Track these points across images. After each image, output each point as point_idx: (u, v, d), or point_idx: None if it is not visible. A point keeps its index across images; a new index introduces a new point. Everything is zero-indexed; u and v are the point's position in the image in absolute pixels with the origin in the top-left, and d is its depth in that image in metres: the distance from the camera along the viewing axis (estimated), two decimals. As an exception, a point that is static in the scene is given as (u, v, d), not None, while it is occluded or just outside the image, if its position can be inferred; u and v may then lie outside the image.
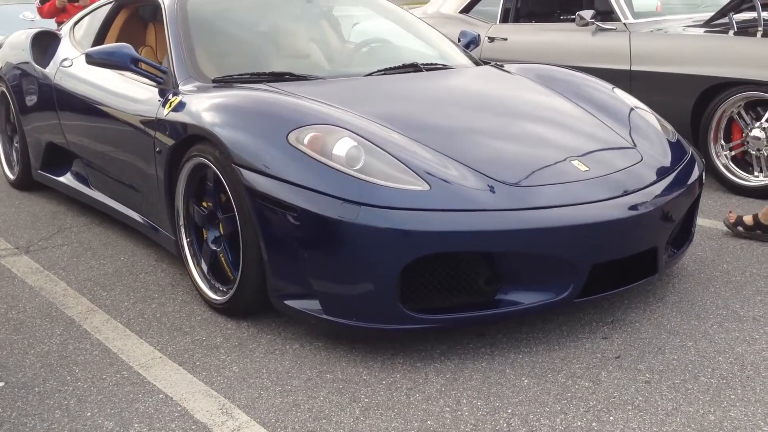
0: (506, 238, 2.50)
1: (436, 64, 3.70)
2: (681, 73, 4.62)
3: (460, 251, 2.49)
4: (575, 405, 2.33)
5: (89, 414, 2.33)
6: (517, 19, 5.88)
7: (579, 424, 2.23)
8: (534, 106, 3.29)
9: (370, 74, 3.46)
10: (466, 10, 6.12)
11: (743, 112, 4.46)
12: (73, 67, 4.11)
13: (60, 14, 6.73)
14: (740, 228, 3.73)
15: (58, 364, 2.65)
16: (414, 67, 3.57)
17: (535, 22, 5.79)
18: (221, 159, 2.78)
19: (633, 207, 2.70)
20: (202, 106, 2.97)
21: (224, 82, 3.24)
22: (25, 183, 4.80)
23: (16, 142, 4.83)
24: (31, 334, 2.88)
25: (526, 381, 2.48)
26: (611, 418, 2.26)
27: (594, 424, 2.23)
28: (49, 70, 4.30)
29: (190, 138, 2.97)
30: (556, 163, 2.81)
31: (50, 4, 6.90)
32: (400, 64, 3.56)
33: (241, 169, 2.68)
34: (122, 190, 3.73)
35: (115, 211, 3.83)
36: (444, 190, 2.54)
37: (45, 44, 4.53)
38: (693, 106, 4.58)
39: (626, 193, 2.73)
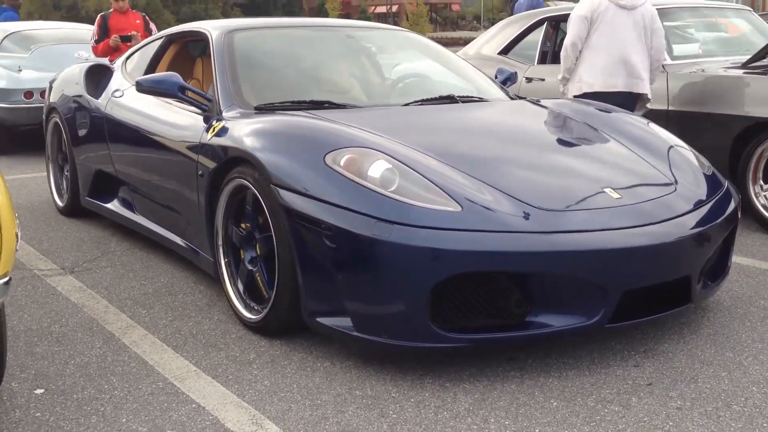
0: (536, 260, 2.53)
1: (472, 97, 3.78)
2: (719, 113, 4.63)
3: (490, 271, 2.52)
4: (604, 428, 2.32)
5: (124, 420, 2.40)
6: (554, 61, 5.94)
7: (607, 445, 2.22)
8: (568, 139, 3.34)
9: (407, 104, 3.55)
10: (504, 51, 6.23)
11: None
12: (124, 97, 4.29)
13: (113, 53, 7.01)
14: None
15: (97, 374, 2.73)
16: (450, 99, 3.65)
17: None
18: (260, 180, 2.87)
19: (664, 234, 2.72)
20: (244, 131, 3.08)
21: (266, 109, 3.36)
22: (73, 210, 4.96)
23: (67, 171, 5.01)
24: (72, 346, 2.97)
25: (555, 403, 2.47)
26: (640, 440, 2.24)
27: (622, 445, 2.22)
28: (101, 101, 4.48)
29: (231, 160, 3.08)
30: (588, 191, 2.85)
31: (104, 43, 7.20)
32: (437, 96, 3.65)
33: (279, 189, 2.77)
34: (166, 214, 3.85)
35: (158, 236, 3.94)
36: (476, 212, 2.59)
37: (98, 77, 4.73)
38: (731, 146, 4.58)
39: (658, 221, 2.75)
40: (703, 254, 2.88)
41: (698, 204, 2.95)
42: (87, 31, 8.88)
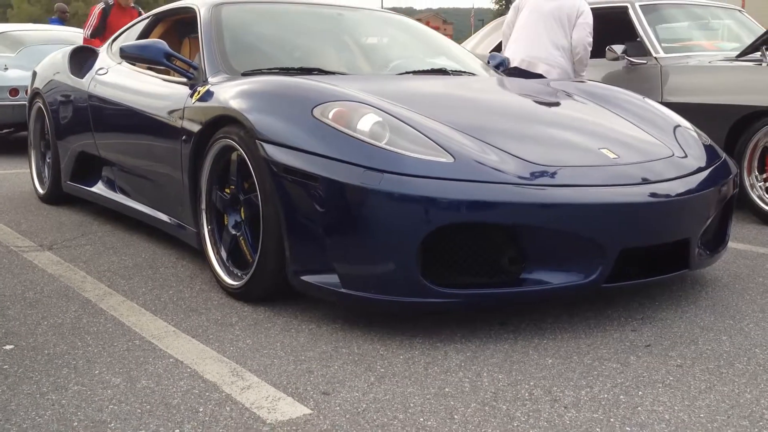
0: (530, 213, 2.43)
1: (463, 71, 3.71)
2: (714, 103, 4.59)
3: (482, 222, 2.42)
4: (602, 381, 2.21)
5: (97, 372, 2.27)
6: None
7: (605, 396, 2.11)
8: (563, 108, 3.27)
9: (399, 74, 3.47)
10: (498, 49, 6.18)
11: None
12: (108, 74, 4.19)
13: None
14: None
15: (70, 333, 2.60)
16: (442, 72, 3.58)
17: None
18: (245, 137, 2.77)
19: (663, 194, 2.64)
20: (229, 92, 2.99)
21: (253, 75, 3.27)
22: (55, 197, 4.83)
23: (49, 158, 4.90)
24: (46, 309, 2.84)
25: (550, 361, 2.37)
26: (640, 392, 2.13)
27: (622, 397, 2.11)
28: (85, 80, 4.38)
29: (216, 121, 2.98)
30: (585, 150, 2.77)
31: (100, 40, 6.98)
32: (429, 69, 3.58)
33: (264, 144, 2.67)
34: (150, 189, 3.74)
35: (142, 214, 3.82)
36: (469, 163, 2.50)
37: (83, 59, 4.63)
38: (726, 137, 4.53)
39: (656, 180, 2.67)
40: (702, 218, 2.80)
41: (697, 169, 2.88)
42: (74, 33, 8.82)
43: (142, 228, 4.04)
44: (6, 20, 52.29)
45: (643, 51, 5.17)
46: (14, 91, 7.34)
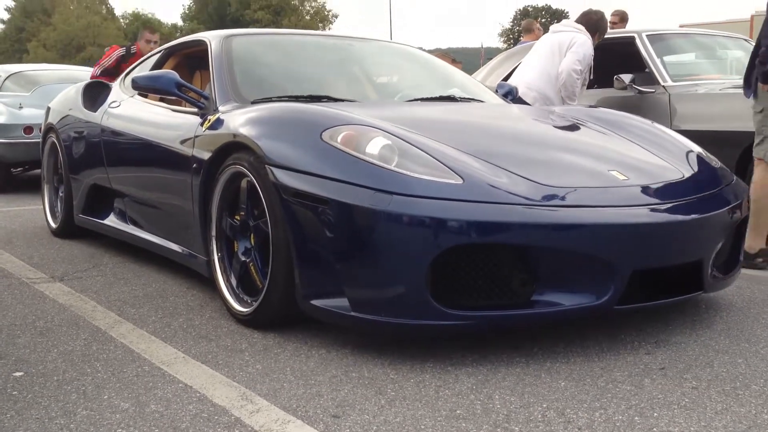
0: (540, 234, 2.42)
1: (472, 98, 3.73)
2: (723, 130, 4.58)
3: (491, 243, 2.41)
4: (616, 403, 2.17)
5: (106, 397, 2.25)
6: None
7: (620, 418, 2.07)
8: (571, 134, 3.27)
9: (407, 101, 3.49)
10: (507, 78, 6.22)
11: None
12: (120, 107, 4.24)
13: None
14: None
15: (80, 360, 2.59)
16: (450, 99, 3.60)
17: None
18: (255, 163, 2.78)
19: (674, 215, 2.62)
20: (239, 120, 3.02)
21: (263, 102, 3.30)
22: (67, 230, 4.85)
23: (62, 192, 4.94)
24: (56, 337, 2.84)
25: (563, 383, 2.33)
26: (655, 414, 2.10)
27: (636, 418, 2.07)
28: (98, 114, 4.44)
29: (226, 148, 3.00)
30: (595, 172, 2.76)
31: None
32: (437, 96, 3.60)
33: (274, 169, 2.68)
34: (161, 219, 3.75)
35: (154, 245, 3.83)
36: (478, 185, 2.49)
37: (96, 93, 4.70)
38: (736, 163, 4.51)
39: (666, 201, 2.66)
40: (714, 240, 2.77)
41: (709, 190, 2.87)
42: (86, 72, 8.94)
43: (153, 259, 4.04)
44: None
45: (650, 80, 5.18)
46: (28, 129, 7.43)
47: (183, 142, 3.37)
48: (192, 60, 4.44)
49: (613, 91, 5.30)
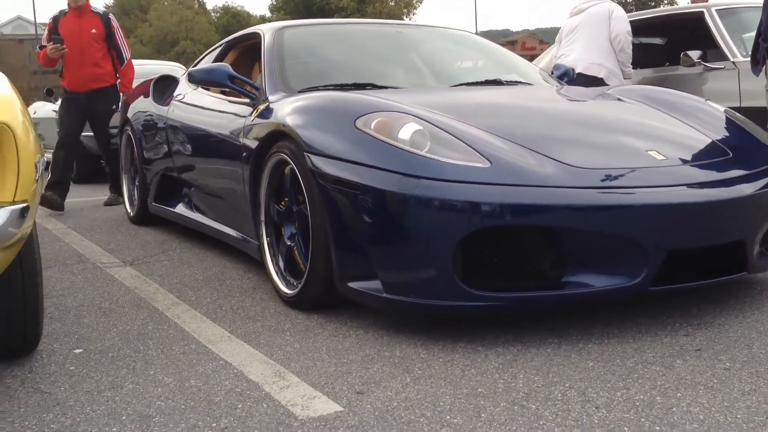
0: (566, 215, 2.43)
1: (518, 81, 3.73)
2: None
3: (517, 225, 2.43)
4: (640, 383, 2.17)
5: (152, 372, 2.41)
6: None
7: (641, 397, 2.07)
8: (614, 113, 3.23)
9: (452, 86, 3.53)
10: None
11: None
12: (185, 99, 4.44)
13: (51, 62, 5.90)
14: None
15: (135, 338, 2.76)
16: (496, 83, 3.61)
17: (640, 68, 5.72)
18: (296, 151, 2.89)
19: (709, 195, 2.57)
20: (284, 109, 3.13)
21: (309, 92, 3.40)
22: (143, 218, 5.13)
23: (138, 182, 5.20)
24: (117, 317, 3.03)
25: (591, 364, 2.34)
26: (678, 394, 2.09)
27: (658, 398, 2.07)
28: (165, 107, 4.65)
29: (271, 136, 3.12)
30: (630, 153, 2.73)
31: (43, 52, 5.91)
32: (483, 80, 3.61)
33: (311, 156, 2.78)
34: (219, 206, 3.92)
35: (214, 230, 4.01)
36: (505, 167, 2.52)
37: (165, 87, 4.92)
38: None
39: (704, 182, 2.61)
40: (758, 220, 2.70)
41: (753, 169, 2.79)
42: (172, 67, 9.29)
43: (217, 245, 4.22)
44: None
45: (719, 56, 5.02)
46: (114, 122, 7.80)
47: (235, 131, 3.51)
48: (251, 51, 4.59)
49: (681, 68, 5.15)
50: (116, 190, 6.26)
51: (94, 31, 5.96)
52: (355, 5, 65.83)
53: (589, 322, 2.71)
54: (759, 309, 2.82)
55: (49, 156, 6.02)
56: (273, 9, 74.51)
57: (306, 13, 68.38)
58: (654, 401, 2.05)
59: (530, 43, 70.05)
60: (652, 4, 70.02)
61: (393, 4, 69.00)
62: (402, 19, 67.44)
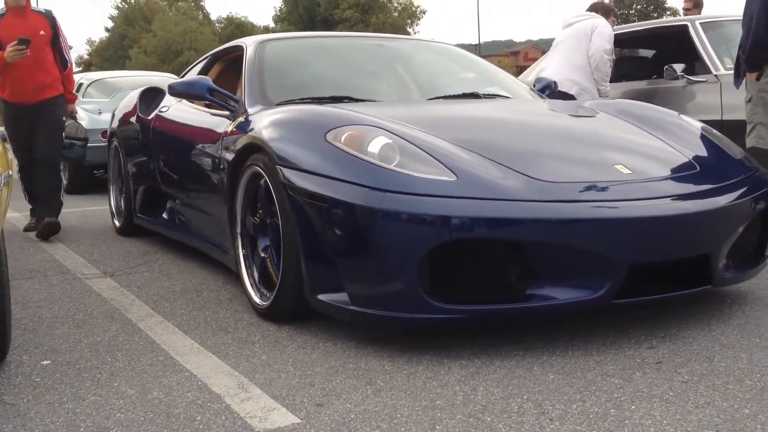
0: (531, 228, 2.45)
1: (497, 94, 3.75)
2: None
3: (481, 238, 2.45)
4: (597, 396, 2.19)
5: (116, 384, 2.42)
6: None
7: (595, 410, 2.09)
8: (585, 127, 3.26)
9: (428, 100, 3.55)
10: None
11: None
12: (168, 111, 4.47)
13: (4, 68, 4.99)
14: None
15: (105, 350, 2.78)
16: (473, 96, 3.63)
17: (626, 81, 5.75)
18: (269, 163, 2.91)
19: (675, 208, 2.59)
20: (259, 122, 3.16)
21: (287, 104, 3.43)
22: (128, 229, 5.15)
23: (124, 193, 5.23)
24: (89, 329, 3.05)
25: (552, 376, 2.36)
26: (632, 407, 2.10)
27: (612, 410, 2.08)
28: (150, 118, 4.69)
29: (247, 149, 3.14)
30: (596, 167, 2.76)
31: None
32: (460, 93, 3.64)
33: (283, 169, 2.80)
34: (199, 217, 3.95)
35: (195, 242, 4.04)
36: (471, 181, 2.54)
37: (152, 98, 4.95)
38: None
39: (668, 196, 2.63)
40: (724, 234, 2.72)
41: (719, 183, 2.81)
42: (166, 78, 9.36)
43: (200, 256, 4.24)
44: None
45: (704, 69, 5.05)
46: (106, 133, 7.84)
47: (213, 143, 3.54)
48: (235, 64, 4.61)
49: (664, 80, 5.18)
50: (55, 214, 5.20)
51: (43, 32, 5.11)
52: (359, 16, 66.12)
53: (556, 334, 2.72)
54: (725, 322, 2.83)
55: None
56: (277, 20, 74.84)
57: (310, 24, 68.67)
58: (608, 414, 2.06)
59: (533, 54, 70.23)
60: (655, 15, 70.27)
61: (396, 15, 69.27)
62: (406, 30, 67.71)
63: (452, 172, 2.55)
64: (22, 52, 4.84)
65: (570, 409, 2.10)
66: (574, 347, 2.61)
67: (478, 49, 60.14)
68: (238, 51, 4.27)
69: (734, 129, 4.61)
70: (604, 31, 5.35)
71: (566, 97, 5.12)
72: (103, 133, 7.87)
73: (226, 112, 3.63)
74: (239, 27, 72.43)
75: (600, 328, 2.78)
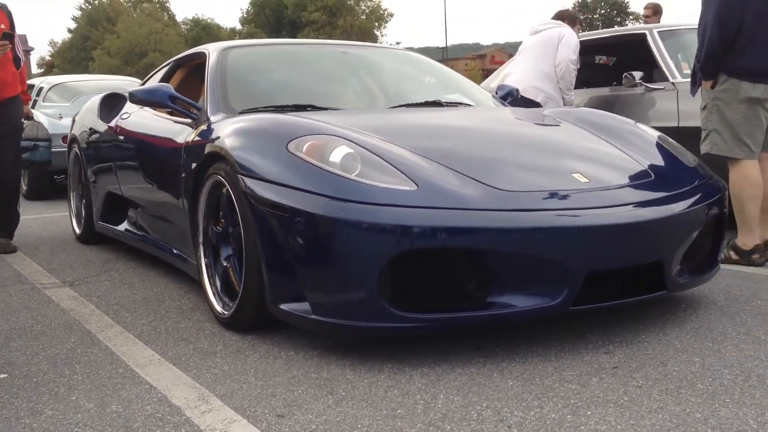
0: (488, 236, 2.48)
1: (460, 102, 3.79)
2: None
3: (440, 247, 2.48)
4: (554, 402, 2.22)
5: (74, 398, 2.40)
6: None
7: (552, 416, 2.12)
8: (545, 135, 3.30)
9: (391, 108, 3.57)
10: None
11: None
12: (130, 118, 4.43)
13: None
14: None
15: (63, 363, 2.75)
16: (436, 104, 3.66)
17: (587, 87, 5.83)
18: (230, 172, 2.91)
19: (628, 217, 2.64)
20: (221, 131, 3.15)
21: (249, 113, 3.42)
22: (89, 236, 5.09)
23: (85, 200, 5.17)
24: (48, 341, 3.01)
25: (511, 383, 2.39)
26: (588, 412, 2.14)
27: (569, 416, 2.11)
28: (111, 125, 4.64)
29: (209, 158, 3.13)
30: (554, 176, 2.80)
31: None
32: (423, 101, 3.67)
33: (244, 178, 2.80)
34: (160, 225, 3.92)
35: (157, 250, 4.01)
36: (432, 190, 2.56)
37: (112, 105, 4.91)
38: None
39: (623, 204, 2.68)
40: (676, 240, 2.78)
41: (673, 191, 2.87)
42: (130, 82, 9.27)
43: (162, 264, 4.21)
44: (88, 72, 55.10)
45: (660, 77, 5.14)
46: (67, 138, 7.75)
47: (175, 151, 3.52)
48: (198, 71, 4.59)
49: (623, 88, 5.27)
50: (8, 232, 5.02)
51: (2, 26, 4.72)
52: (326, 18, 66.07)
53: (515, 341, 2.76)
54: (679, 326, 2.90)
55: None
56: (243, 22, 74.47)
57: (277, 26, 68.42)
58: (564, 420, 2.09)
59: (499, 57, 70.86)
60: (618, 19, 71.27)
61: (364, 17, 69.36)
62: (373, 33, 67.79)
63: (413, 181, 2.58)
64: (5, 47, 4.64)
65: (528, 416, 2.13)
66: (534, 353, 2.64)
67: (445, 52, 60.42)
68: (201, 57, 4.25)
69: (690, 135, 4.70)
70: (570, 41, 5.42)
71: (531, 104, 5.20)
72: (64, 137, 7.78)
73: (188, 120, 3.62)
74: (205, 29, 71.91)
75: (559, 333, 2.82)
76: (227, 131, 3.11)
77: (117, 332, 3.09)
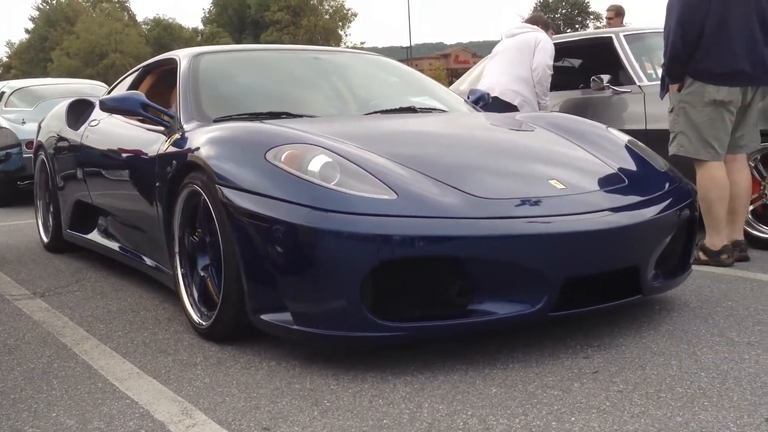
0: (469, 244, 2.50)
1: (434, 108, 3.81)
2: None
3: (422, 256, 2.49)
4: (538, 409, 2.25)
5: (54, 414, 2.37)
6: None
7: (537, 423, 2.15)
8: (520, 141, 3.34)
9: (366, 114, 3.58)
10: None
11: (760, 166, 4.39)
12: (99, 125, 4.37)
13: None
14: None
15: (39, 378, 2.71)
16: (411, 110, 3.68)
17: (555, 90, 5.89)
18: (208, 182, 2.89)
19: (605, 223, 2.68)
20: (196, 139, 3.12)
21: (224, 121, 3.40)
22: (57, 245, 5.01)
23: (52, 208, 5.09)
24: (23, 355, 2.96)
25: (494, 390, 2.41)
26: (572, 419, 2.17)
27: (553, 423, 2.14)
28: (79, 132, 4.58)
29: (184, 167, 3.11)
30: (531, 182, 2.83)
31: None
32: (398, 108, 3.68)
33: (222, 188, 2.78)
34: (134, 235, 3.88)
35: (130, 259, 3.96)
36: (412, 199, 2.57)
37: (80, 111, 4.84)
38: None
39: (600, 210, 2.72)
40: (651, 245, 2.83)
41: (647, 196, 2.92)
42: (91, 86, 9.14)
43: (135, 274, 4.17)
44: (47, 74, 54.10)
45: (627, 80, 5.22)
46: (30, 144, 7.61)
47: (148, 160, 3.49)
48: (168, 77, 4.55)
49: (591, 91, 5.34)
50: None
51: None
52: (290, 18, 65.75)
53: (496, 347, 2.78)
54: (655, 329, 2.95)
55: None
56: (206, 21, 73.80)
57: (240, 25, 67.91)
58: (549, 426, 2.12)
59: (463, 57, 71.25)
60: (579, 19, 72.07)
61: (328, 17, 69.19)
62: (337, 33, 67.66)
63: (392, 190, 2.59)
64: None
65: (513, 423, 2.15)
66: (514, 359, 2.67)
67: (409, 52, 60.57)
68: (171, 64, 4.21)
69: (658, 138, 4.78)
70: (547, 46, 5.47)
71: (508, 107, 5.25)
72: (29, 143, 7.66)
73: (161, 128, 3.58)
74: (167, 29, 71.08)
75: (538, 338, 2.85)
76: (203, 140, 3.09)
77: (93, 345, 3.05)
